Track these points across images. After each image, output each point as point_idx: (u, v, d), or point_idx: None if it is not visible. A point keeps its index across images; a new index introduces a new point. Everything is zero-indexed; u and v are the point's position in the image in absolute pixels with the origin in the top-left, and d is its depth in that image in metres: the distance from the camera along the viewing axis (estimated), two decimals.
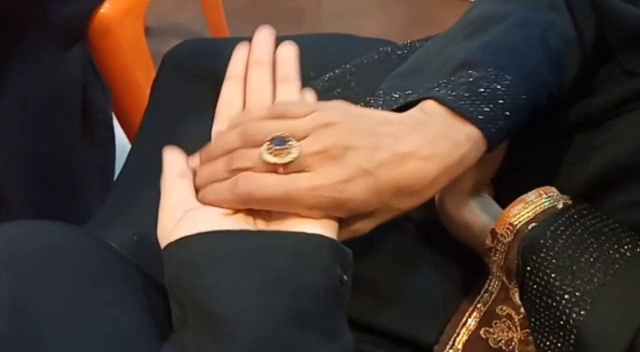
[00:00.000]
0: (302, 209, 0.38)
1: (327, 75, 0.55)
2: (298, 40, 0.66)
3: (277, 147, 0.38)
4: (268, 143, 0.38)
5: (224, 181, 0.39)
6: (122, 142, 0.94)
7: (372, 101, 0.47)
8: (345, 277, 0.36)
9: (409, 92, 0.45)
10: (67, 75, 0.76)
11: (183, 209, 0.38)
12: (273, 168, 0.38)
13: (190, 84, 0.63)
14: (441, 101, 0.40)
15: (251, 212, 0.40)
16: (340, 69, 0.55)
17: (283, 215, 0.39)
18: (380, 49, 0.57)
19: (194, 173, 0.41)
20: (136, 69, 0.84)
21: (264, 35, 0.47)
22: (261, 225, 0.40)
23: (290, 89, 0.45)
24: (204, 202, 0.39)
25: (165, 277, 0.36)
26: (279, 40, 0.67)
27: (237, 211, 0.40)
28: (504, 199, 0.43)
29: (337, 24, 1.30)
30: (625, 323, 0.33)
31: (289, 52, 0.47)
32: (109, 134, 0.89)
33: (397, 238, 0.49)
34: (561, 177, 0.43)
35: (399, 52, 0.57)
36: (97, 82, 0.83)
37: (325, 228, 0.38)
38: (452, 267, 0.47)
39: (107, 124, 0.87)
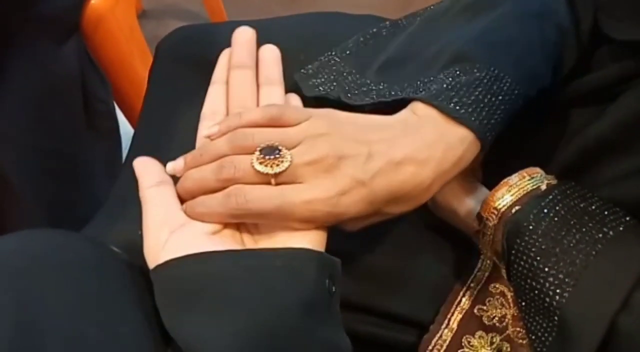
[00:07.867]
0: (295, 222, 0.37)
1: (315, 63, 0.53)
2: (287, 21, 0.66)
3: (268, 157, 0.37)
4: (258, 152, 0.37)
5: (215, 195, 0.38)
6: (128, 131, 0.95)
7: (361, 92, 0.46)
8: (334, 288, 0.36)
9: (398, 88, 0.43)
10: (64, 70, 0.77)
11: (168, 229, 0.37)
12: (264, 178, 0.37)
13: (186, 71, 0.63)
14: (432, 103, 0.39)
15: (238, 226, 0.39)
16: (326, 56, 0.54)
17: (271, 227, 0.38)
18: (366, 31, 0.56)
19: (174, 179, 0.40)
20: (133, 58, 0.84)
21: (245, 36, 0.45)
22: (248, 238, 0.39)
23: (275, 93, 0.43)
24: (192, 215, 0.38)
25: (155, 299, 0.36)
26: (273, 21, 0.66)
27: (225, 225, 0.39)
28: (492, 180, 0.42)
29: (333, 3, 1.26)
30: (605, 305, 0.33)
31: (272, 53, 0.45)
32: (112, 124, 0.89)
33: (395, 222, 0.48)
34: (547, 154, 0.43)
35: (384, 33, 0.55)
36: (95, 74, 0.83)
37: (314, 239, 0.38)
38: (448, 249, 0.48)
39: (109, 114, 0.88)
